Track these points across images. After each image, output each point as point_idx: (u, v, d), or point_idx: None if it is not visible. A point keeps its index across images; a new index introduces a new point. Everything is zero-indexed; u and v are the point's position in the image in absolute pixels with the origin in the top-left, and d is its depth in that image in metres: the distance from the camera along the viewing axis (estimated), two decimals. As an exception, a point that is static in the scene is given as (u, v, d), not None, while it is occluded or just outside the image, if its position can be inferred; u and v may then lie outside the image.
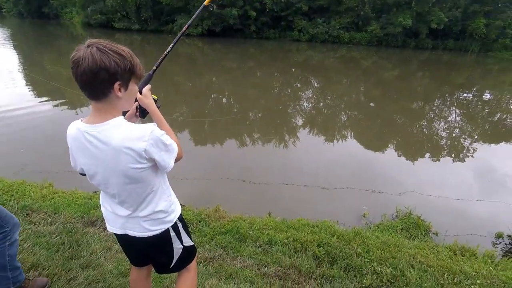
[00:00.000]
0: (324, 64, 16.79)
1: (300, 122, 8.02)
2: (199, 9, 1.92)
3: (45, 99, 8.18)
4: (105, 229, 2.80)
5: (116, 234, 1.44)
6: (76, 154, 1.24)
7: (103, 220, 2.88)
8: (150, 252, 1.51)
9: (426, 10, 21.32)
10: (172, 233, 1.45)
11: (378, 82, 13.51)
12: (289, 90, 11.38)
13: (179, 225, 1.48)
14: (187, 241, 1.54)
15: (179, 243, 1.49)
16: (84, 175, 1.31)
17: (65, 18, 33.03)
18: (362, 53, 20.75)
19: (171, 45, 1.70)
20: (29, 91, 8.93)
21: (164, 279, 2.24)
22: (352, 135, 7.35)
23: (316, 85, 12.71)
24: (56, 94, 8.37)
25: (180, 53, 17.39)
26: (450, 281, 2.53)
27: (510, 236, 3.70)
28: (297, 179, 4.82)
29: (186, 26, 1.80)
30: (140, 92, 1.41)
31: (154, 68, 1.59)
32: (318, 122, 8.25)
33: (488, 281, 2.58)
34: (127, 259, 2.35)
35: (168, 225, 1.42)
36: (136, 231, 1.37)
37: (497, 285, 2.55)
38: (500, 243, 3.69)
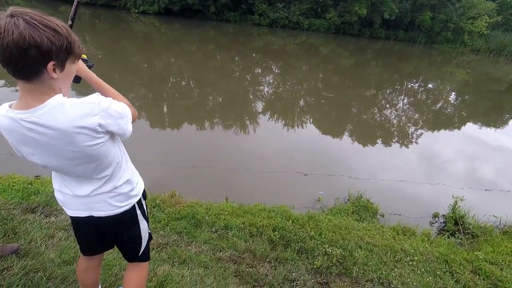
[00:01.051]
0: (284, 50, 16.86)
1: (260, 107, 8.04)
2: None
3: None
4: (47, 215, 2.62)
5: (76, 219, 1.34)
6: (19, 146, 1.08)
7: (45, 206, 2.69)
8: (117, 234, 1.42)
9: (380, 1, 22.20)
10: (138, 211, 1.39)
11: (336, 69, 13.94)
12: (250, 75, 11.31)
13: (143, 202, 1.43)
14: (148, 224, 1.49)
15: (145, 222, 1.44)
16: None
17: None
18: (321, 40, 21.16)
19: None
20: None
21: (113, 267, 2.15)
22: (310, 121, 7.55)
23: (276, 71, 12.77)
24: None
25: (136, 32, 16.39)
26: (392, 258, 2.76)
27: (444, 215, 4.10)
28: (256, 164, 4.87)
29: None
30: None
31: (70, 22, 1.40)
32: (277, 108, 8.33)
33: (424, 257, 2.85)
34: (72, 247, 2.25)
35: (135, 200, 1.35)
36: (102, 210, 1.28)
37: (431, 260, 2.83)
38: (436, 222, 4.07)
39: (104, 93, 1.25)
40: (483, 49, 23.80)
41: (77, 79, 1.32)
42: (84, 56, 1.32)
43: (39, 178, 3.34)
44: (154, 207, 2.98)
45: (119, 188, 1.28)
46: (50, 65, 0.94)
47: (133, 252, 1.50)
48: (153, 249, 2.42)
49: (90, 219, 1.31)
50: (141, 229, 1.44)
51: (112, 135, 1.15)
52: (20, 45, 0.87)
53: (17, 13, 0.88)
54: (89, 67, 1.34)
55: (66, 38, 0.95)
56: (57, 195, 1.32)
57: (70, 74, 1.06)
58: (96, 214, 1.29)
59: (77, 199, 1.26)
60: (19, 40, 0.86)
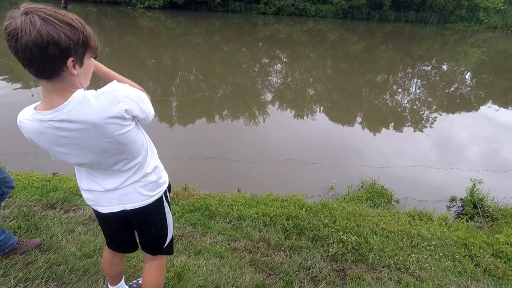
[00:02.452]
0: (291, 38, 16.61)
1: (269, 97, 7.98)
2: None
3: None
4: (66, 211, 2.69)
5: (108, 216, 1.33)
6: (52, 147, 1.07)
7: (64, 202, 2.76)
8: (145, 227, 1.43)
9: (390, -18, 21.57)
10: (165, 203, 1.40)
11: (345, 55, 13.67)
12: (257, 66, 11.22)
13: (168, 194, 1.44)
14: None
15: (171, 215, 1.45)
16: None
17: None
18: (328, 26, 20.75)
19: None
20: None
21: (132, 258, 2.20)
22: (320, 109, 7.46)
23: (284, 60, 12.62)
24: (3, 71, 7.65)
25: (142, 27, 16.40)
26: (408, 244, 2.72)
27: (461, 199, 4.01)
28: (267, 155, 4.85)
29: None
30: None
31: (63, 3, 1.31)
32: (286, 97, 8.26)
33: (442, 242, 2.80)
34: (91, 241, 2.31)
35: (164, 188, 1.36)
36: (135, 202, 1.28)
37: (450, 244, 2.78)
38: (453, 206, 3.99)
39: (117, 81, 1.23)
40: (500, 26, 22.89)
41: None
42: None
43: (57, 175, 3.42)
44: (168, 200, 3.02)
45: (149, 175, 1.28)
46: (70, 61, 0.93)
47: (158, 244, 1.50)
48: (169, 241, 2.46)
49: (123, 213, 1.31)
50: (167, 221, 1.45)
51: (136, 121, 1.16)
52: (39, 43, 0.85)
53: (31, 10, 0.86)
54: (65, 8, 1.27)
55: (82, 32, 0.93)
56: (86, 195, 1.31)
57: (89, 69, 1.05)
58: (129, 206, 1.29)
59: (108, 194, 1.26)
60: (37, 38, 0.84)
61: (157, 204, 1.35)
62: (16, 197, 2.78)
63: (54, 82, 0.96)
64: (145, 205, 1.30)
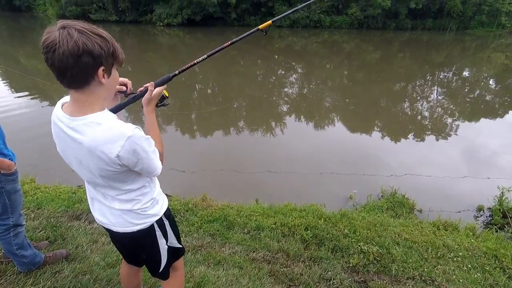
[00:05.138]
0: (307, 50, 16.71)
1: (285, 109, 8.01)
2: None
3: (22, 94, 7.92)
4: (90, 222, 2.78)
5: (107, 230, 1.37)
6: (56, 138, 1.15)
7: (88, 213, 2.86)
8: (135, 253, 1.45)
9: (405, -9, 21.42)
10: (158, 232, 1.36)
11: (361, 65, 13.57)
12: (273, 78, 11.32)
13: (165, 222, 1.40)
14: (174, 243, 1.47)
15: (165, 241, 1.41)
16: None
17: (38, 11, 31.77)
18: (344, 36, 20.74)
19: (205, 56, 1.49)
20: (5, 85, 8.65)
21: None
22: (338, 119, 7.40)
23: (300, 71, 12.67)
24: (34, 89, 8.09)
25: (162, 44, 16.98)
26: (434, 255, 2.62)
27: (490, 208, 3.83)
28: (284, 165, 4.84)
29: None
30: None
31: (176, 72, 1.40)
32: (303, 108, 8.25)
33: (470, 253, 2.68)
34: (114, 251, 2.37)
35: (152, 220, 1.32)
36: (119, 226, 1.28)
37: (478, 255, 2.65)
38: (481, 215, 3.82)
39: (149, 132, 1.26)
40: (523, 29, 22.15)
41: (133, 99, 1.32)
42: (166, 93, 1.35)
43: (82, 187, 3.54)
44: (187, 211, 3.05)
45: (137, 204, 1.26)
46: (100, 70, 0.99)
47: (152, 269, 1.53)
48: (189, 251, 2.48)
49: (110, 233, 1.35)
50: (160, 249, 1.41)
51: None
52: (75, 53, 0.91)
53: (67, 25, 0.94)
54: (163, 105, 1.35)
55: (112, 44, 1.01)
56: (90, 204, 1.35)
57: (115, 80, 1.11)
58: (115, 229, 1.30)
59: (103, 206, 1.28)
60: (74, 47, 0.91)
61: (145, 233, 1.32)
62: (45, 208, 2.91)
63: (82, 92, 1.02)
64: (130, 231, 1.29)
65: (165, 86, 1.33)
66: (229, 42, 1.48)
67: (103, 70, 1.00)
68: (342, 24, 23.20)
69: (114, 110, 1.23)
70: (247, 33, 1.51)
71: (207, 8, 21.43)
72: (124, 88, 1.34)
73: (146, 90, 1.29)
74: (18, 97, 7.72)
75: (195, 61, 1.39)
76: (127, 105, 1.30)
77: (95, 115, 1.03)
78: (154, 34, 20.35)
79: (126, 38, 19.51)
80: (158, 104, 1.36)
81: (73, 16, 24.58)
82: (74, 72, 0.95)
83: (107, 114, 1.06)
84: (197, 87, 9.82)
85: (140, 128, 1.11)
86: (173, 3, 21.83)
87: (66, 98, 1.12)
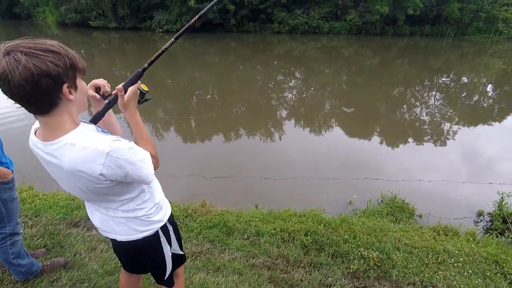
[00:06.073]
0: (305, 55, 16.80)
1: (284, 114, 8.03)
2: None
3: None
4: (89, 229, 2.75)
5: (111, 240, 1.35)
6: (42, 163, 1.10)
7: (86, 220, 2.84)
8: (140, 261, 1.42)
9: (403, -3, 21.62)
10: (162, 238, 1.34)
11: (360, 70, 13.65)
12: (272, 83, 11.36)
13: (170, 228, 1.38)
14: (177, 249, 1.45)
15: (169, 248, 1.39)
16: None
17: (38, 18, 32.00)
18: (342, 42, 20.88)
19: (169, 42, 1.34)
20: (7, 98, 8.59)
21: (151, 277, 2.20)
22: (336, 124, 7.41)
23: (299, 77, 12.73)
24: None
25: (160, 50, 17.02)
26: (434, 260, 2.60)
27: (490, 213, 3.82)
28: (284, 170, 4.84)
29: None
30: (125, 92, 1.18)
31: (146, 65, 1.28)
32: (302, 114, 8.27)
33: (471, 258, 2.67)
34: (113, 258, 2.34)
35: (157, 226, 1.30)
36: (124, 234, 1.24)
37: (479, 261, 2.64)
38: (481, 221, 3.81)
39: (138, 138, 1.21)
40: (521, 35, 22.32)
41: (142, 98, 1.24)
42: (144, 87, 1.25)
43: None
44: (186, 217, 3.04)
45: (140, 211, 1.23)
46: (65, 87, 0.92)
47: (157, 276, 1.51)
48: (188, 257, 2.46)
49: (114, 242, 1.32)
50: (166, 257, 1.39)
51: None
52: (30, 79, 0.84)
53: (11, 49, 0.84)
54: (145, 100, 1.27)
55: (66, 56, 0.91)
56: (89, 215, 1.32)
57: (83, 90, 1.04)
58: (119, 238, 1.26)
59: (106, 216, 1.24)
60: (27, 74, 0.83)
61: (150, 240, 1.30)
62: (43, 216, 2.88)
63: (52, 116, 0.95)
64: (135, 239, 1.26)
65: (138, 83, 1.22)
66: (193, 19, 1.39)
67: (67, 87, 0.93)
68: (340, 30, 23.37)
69: (94, 120, 1.17)
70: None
71: (206, 15, 21.59)
72: (97, 96, 1.21)
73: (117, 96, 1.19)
74: (19, 107, 7.68)
75: (163, 48, 1.29)
76: (105, 112, 1.21)
77: (68, 136, 0.97)
78: (154, 40, 20.47)
79: (126, 44, 19.63)
80: (140, 101, 1.26)
81: (73, 24, 24.78)
82: (37, 99, 0.89)
83: (80, 132, 1.00)
84: (195, 92, 9.85)
85: (120, 138, 1.04)
86: (172, 9, 22.03)
87: (37, 124, 1.04)
